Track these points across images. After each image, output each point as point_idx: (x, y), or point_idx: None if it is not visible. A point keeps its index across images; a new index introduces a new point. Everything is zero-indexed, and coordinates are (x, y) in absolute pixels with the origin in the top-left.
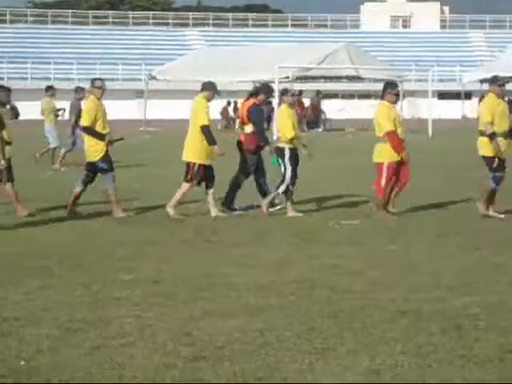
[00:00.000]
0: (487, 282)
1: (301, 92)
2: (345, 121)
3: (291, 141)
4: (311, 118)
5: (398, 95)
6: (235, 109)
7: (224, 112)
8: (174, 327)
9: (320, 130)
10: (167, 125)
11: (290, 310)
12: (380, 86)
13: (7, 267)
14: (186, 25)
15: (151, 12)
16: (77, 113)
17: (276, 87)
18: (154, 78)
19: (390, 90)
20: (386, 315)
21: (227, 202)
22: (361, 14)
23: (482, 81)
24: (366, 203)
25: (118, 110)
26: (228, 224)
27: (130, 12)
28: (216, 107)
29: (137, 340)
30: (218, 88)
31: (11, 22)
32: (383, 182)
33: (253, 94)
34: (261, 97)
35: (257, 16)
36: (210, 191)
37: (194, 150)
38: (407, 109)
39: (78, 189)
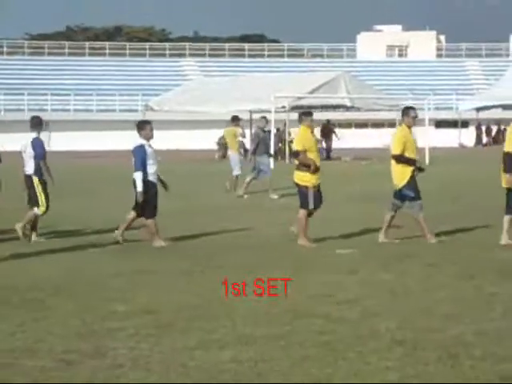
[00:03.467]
0: (482, 310)
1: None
2: (342, 150)
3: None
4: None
5: None
6: None
7: (220, 142)
8: (168, 358)
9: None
10: (163, 155)
11: (283, 340)
12: (378, 115)
13: (0, 299)
14: (183, 55)
15: (148, 43)
16: (257, 142)
17: (272, 117)
18: (150, 108)
19: None
20: (382, 344)
21: None
22: (357, 43)
23: (479, 109)
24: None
25: (116, 140)
26: (221, 251)
27: (127, 43)
28: (213, 138)
29: (130, 371)
30: (214, 118)
31: (8, 53)
32: None
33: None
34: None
35: (253, 46)
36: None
37: None
38: None
39: (388, 215)
